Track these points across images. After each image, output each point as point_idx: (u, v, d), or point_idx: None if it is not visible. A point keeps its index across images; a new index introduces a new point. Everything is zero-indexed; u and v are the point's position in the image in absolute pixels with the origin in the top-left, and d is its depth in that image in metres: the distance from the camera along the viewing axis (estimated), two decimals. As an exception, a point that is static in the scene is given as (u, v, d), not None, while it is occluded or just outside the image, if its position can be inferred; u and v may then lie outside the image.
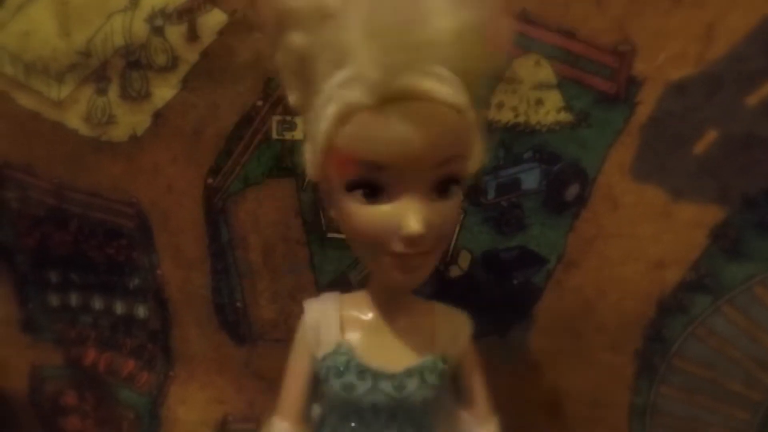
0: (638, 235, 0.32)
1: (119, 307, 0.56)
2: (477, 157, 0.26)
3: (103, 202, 0.53)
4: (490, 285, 0.38)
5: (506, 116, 0.35)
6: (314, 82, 0.24)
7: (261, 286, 0.46)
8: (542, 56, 0.34)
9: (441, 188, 0.24)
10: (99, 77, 0.49)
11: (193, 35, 0.44)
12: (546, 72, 0.34)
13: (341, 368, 0.29)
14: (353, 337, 0.29)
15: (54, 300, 0.59)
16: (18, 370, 0.61)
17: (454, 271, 0.39)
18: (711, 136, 0.30)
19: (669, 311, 0.32)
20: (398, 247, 0.24)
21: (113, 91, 0.49)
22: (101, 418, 0.59)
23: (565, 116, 0.34)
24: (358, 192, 0.24)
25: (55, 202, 0.55)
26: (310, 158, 0.26)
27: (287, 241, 0.44)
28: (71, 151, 0.52)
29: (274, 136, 0.43)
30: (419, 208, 0.23)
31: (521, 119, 0.35)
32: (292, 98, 0.27)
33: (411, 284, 0.27)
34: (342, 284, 0.43)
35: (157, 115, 0.47)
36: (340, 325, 0.29)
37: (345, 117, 0.22)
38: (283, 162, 0.43)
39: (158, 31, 0.45)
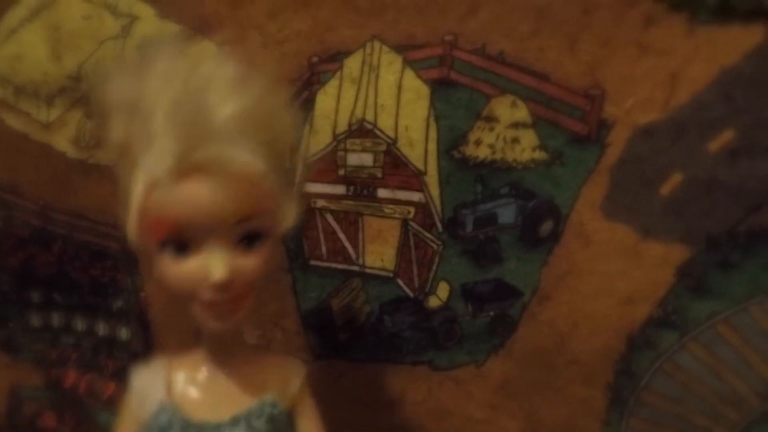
0: (609, 271, 0.33)
1: (101, 329, 0.56)
2: (288, 214, 0.30)
3: (89, 223, 0.53)
4: (467, 316, 0.39)
5: (484, 153, 0.37)
6: (133, 162, 0.28)
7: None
8: (518, 97, 0.35)
9: (246, 241, 0.28)
10: (88, 101, 0.50)
11: (182, 64, 0.45)
12: (522, 112, 0.35)
13: (164, 427, 0.29)
14: (179, 393, 0.30)
15: (35, 320, 0.58)
16: (-4, 390, 0.61)
17: (434, 302, 0.40)
18: (676, 178, 0.32)
19: (638, 346, 0.33)
20: (207, 295, 0.27)
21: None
22: (80, 441, 0.59)
23: (540, 155, 0.35)
24: (167, 249, 0.27)
25: (40, 222, 0.55)
26: (129, 225, 0.29)
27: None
28: (58, 172, 0.53)
29: (260, 164, 0.44)
30: (222, 258, 0.27)
31: (498, 156, 0.36)
32: (123, 179, 0.30)
33: (225, 328, 0.29)
34: (324, 310, 0.44)
35: (145, 140, 0.48)
36: (166, 386, 0.30)
37: (149, 189, 0.27)
38: (268, 190, 0.43)
39: (148, 59, 0.46)
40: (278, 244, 0.31)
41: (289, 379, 0.32)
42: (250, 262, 0.28)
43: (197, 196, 0.26)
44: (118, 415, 0.32)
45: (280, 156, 0.30)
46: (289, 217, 0.30)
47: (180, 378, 0.31)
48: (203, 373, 0.31)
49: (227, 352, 0.31)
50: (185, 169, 0.26)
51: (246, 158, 0.27)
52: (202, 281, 0.27)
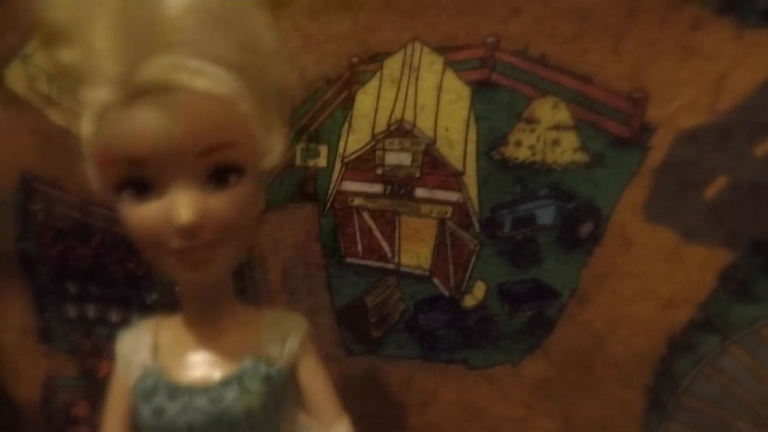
0: (649, 274, 0.33)
1: (136, 321, 0.57)
2: (272, 149, 0.26)
3: (127, 218, 0.54)
4: (504, 315, 0.39)
5: (524, 154, 0.37)
6: (77, 95, 0.23)
7: (278, 307, 0.47)
8: (560, 99, 0.35)
9: (217, 177, 0.24)
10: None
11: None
12: (563, 114, 0.35)
13: (149, 391, 0.27)
14: (164, 357, 0.28)
15: (71, 311, 0.60)
16: (32, 378, 0.62)
17: (470, 301, 0.40)
18: (720, 182, 0.32)
19: (678, 349, 0.33)
20: (175, 242, 0.23)
21: (143, 113, 0.51)
22: (112, 430, 0.60)
23: (580, 156, 0.35)
24: (126, 192, 0.23)
25: (80, 216, 0.56)
26: (89, 173, 0.25)
27: (306, 264, 0.45)
28: (98, 167, 0.54)
29: (298, 162, 0.44)
30: (189, 198, 0.23)
31: (538, 157, 0.36)
32: (62, 118, 0.26)
33: (203, 281, 0.26)
34: (358, 307, 0.44)
35: (185, 137, 0.49)
36: (152, 349, 0.28)
37: (97, 117, 0.23)
38: (306, 188, 0.44)
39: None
40: (260, 183, 0.27)
41: (287, 335, 0.29)
42: (222, 201, 0.24)
43: (150, 123, 0.22)
44: (108, 386, 0.30)
45: (259, 72, 0.24)
46: (274, 150, 0.26)
47: (165, 339, 0.28)
48: (189, 333, 0.28)
49: (214, 310, 0.28)
50: (133, 90, 0.21)
51: (210, 72, 0.22)
52: (166, 226, 0.23)
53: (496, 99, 0.37)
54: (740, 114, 0.31)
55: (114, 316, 0.58)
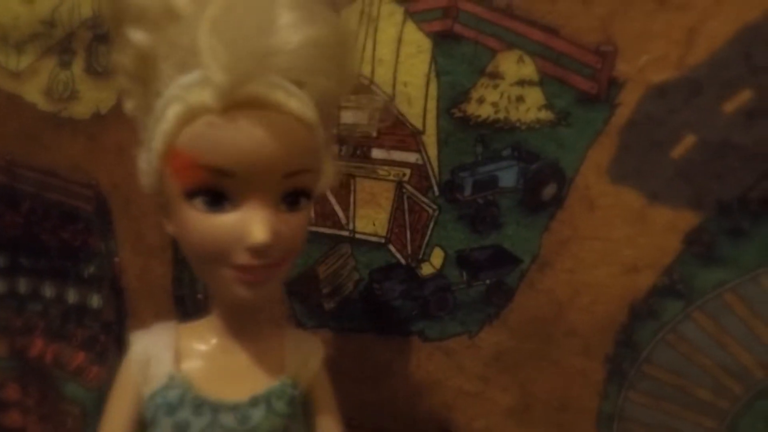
0: (613, 238, 0.32)
1: (71, 296, 0.52)
2: (328, 175, 0.27)
3: (60, 182, 0.50)
4: (462, 284, 0.37)
5: (486, 111, 0.35)
6: (155, 84, 0.23)
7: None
8: (525, 52, 0.33)
9: (290, 200, 0.24)
10: (63, 49, 0.47)
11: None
12: (529, 69, 0.33)
13: (174, 404, 0.26)
14: (190, 367, 0.27)
15: (0, 285, 0.55)
16: (-45, 359, 0.57)
17: (427, 269, 0.38)
18: (688, 141, 0.30)
19: (640, 316, 0.32)
20: (243, 258, 0.23)
21: (78, 65, 0.47)
22: (44, 414, 0.55)
23: (545, 114, 0.33)
24: (199, 200, 0.23)
25: (6, 179, 0.51)
26: (145, 166, 0.25)
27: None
28: (27, 125, 0.49)
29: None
30: (266, 217, 0.23)
31: (501, 115, 0.34)
32: (129, 104, 0.26)
33: (256, 299, 0.25)
34: (310, 278, 0.42)
35: (124, 93, 0.45)
36: (174, 357, 0.27)
37: (189, 118, 0.22)
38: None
39: (129, 4, 0.43)
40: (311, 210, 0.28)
41: (307, 358, 0.29)
42: (292, 223, 0.24)
43: (248, 138, 0.22)
44: (112, 388, 0.28)
45: (332, 108, 0.26)
46: (328, 177, 0.27)
47: (190, 349, 0.27)
48: (217, 346, 0.27)
49: (244, 325, 0.28)
50: (237, 101, 0.21)
51: (302, 97, 0.22)
52: (238, 242, 0.23)
53: (458, 52, 0.35)
54: (710, 68, 0.29)
55: (48, 290, 0.53)
